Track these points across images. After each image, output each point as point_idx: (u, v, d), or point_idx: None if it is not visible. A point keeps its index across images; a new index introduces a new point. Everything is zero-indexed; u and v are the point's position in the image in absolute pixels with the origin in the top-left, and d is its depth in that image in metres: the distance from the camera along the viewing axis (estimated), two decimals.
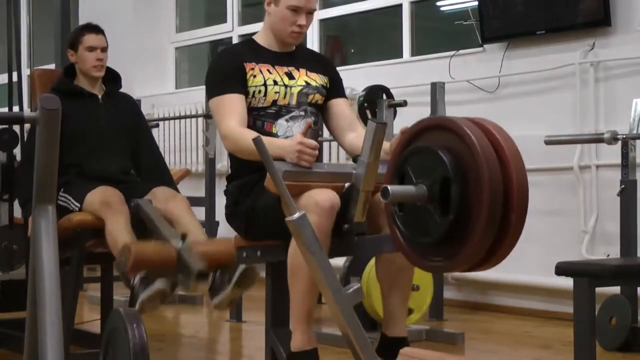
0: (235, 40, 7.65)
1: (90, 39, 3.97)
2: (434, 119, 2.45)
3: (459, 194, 2.24)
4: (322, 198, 2.84)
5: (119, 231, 3.51)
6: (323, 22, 7.06)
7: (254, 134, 2.61)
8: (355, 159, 2.93)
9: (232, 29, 7.72)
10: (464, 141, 2.25)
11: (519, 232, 2.29)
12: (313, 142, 2.90)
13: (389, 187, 2.32)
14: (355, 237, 2.93)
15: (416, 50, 6.27)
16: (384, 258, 3.07)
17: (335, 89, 3.38)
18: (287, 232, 2.52)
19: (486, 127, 2.32)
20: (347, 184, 2.98)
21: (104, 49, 4.00)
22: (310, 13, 3.26)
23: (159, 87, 8.16)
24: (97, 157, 3.88)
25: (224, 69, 3.23)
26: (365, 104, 4.75)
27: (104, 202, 3.58)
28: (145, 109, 4.27)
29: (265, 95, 3.22)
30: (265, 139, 2.52)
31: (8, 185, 4.32)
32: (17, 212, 4.57)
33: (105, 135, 3.94)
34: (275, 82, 3.23)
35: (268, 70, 3.25)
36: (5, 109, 4.86)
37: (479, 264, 2.33)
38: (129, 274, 3.30)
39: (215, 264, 3.23)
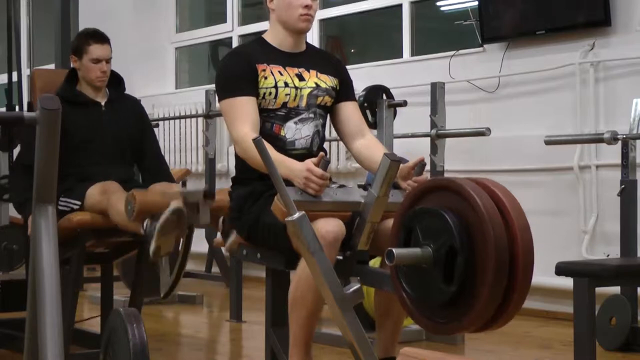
0: (235, 40, 7.65)
1: (96, 50, 3.88)
2: (439, 181, 2.46)
3: (464, 266, 2.24)
4: (327, 230, 2.81)
5: (121, 202, 3.53)
6: (323, 22, 7.05)
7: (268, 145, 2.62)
8: (365, 187, 2.93)
9: (232, 29, 7.72)
10: (472, 206, 2.26)
11: (525, 294, 2.30)
12: (321, 172, 2.86)
13: (394, 251, 2.31)
14: (356, 264, 2.94)
15: (416, 50, 6.27)
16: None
17: (345, 91, 3.36)
18: (290, 253, 2.51)
19: (492, 189, 2.32)
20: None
21: (109, 60, 3.93)
22: None
23: (159, 87, 8.16)
24: (99, 166, 3.85)
25: (235, 71, 3.20)
26: (365, 104, 4.75)
27: (103, 190, 3.60)
28: (145, 109, 4.25)
29: (275, 97, 3.19)
30: (276, 156, 2.52)
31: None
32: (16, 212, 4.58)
33: (108, 144, 3.90)
34: (286, 84, 3.21)
35: (279, 72, 3.22)
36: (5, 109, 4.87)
37: (486, 325, 2.34)
38: (136, 220, 3.46)
39: (219, 209, 3.45)
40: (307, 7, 3.19)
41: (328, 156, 3.13)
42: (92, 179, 3.79)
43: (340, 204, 2.91)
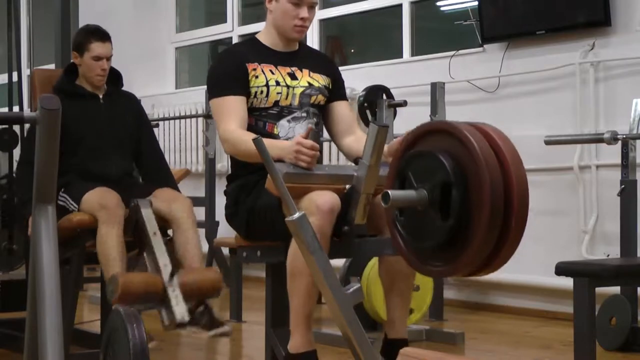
0: (235, 40, 7.65)
1: (97, 48, 3.90)
2: (434, 124, 2.45)
3: (459, 199, 2.23)
4: (323, 200, 2.83)
5: (110, 248, 3.53)
6: (323, 22, 7.05)
7: (252, 136, 2.61)
8: (356, 160, 2.93)
9: (232, 29, 7.72)
10: (465, 146, 2.25)
11: (519, 237, 2.29)
12: (311, 143, 2.89)
13: (390, 192, 2.31)
14: (355, 239, 2.93)
15: (416, 50, 6.27)
16: (385, 260, 3.07)
17: (337, 90, 3.37)
18: (288, 233, 2.53)
19: (487, 131, 2.32)
20: (347, 186, 2.98)
21: (109, 58, 3.95)
22: (312, 7, 3.24)
23: (159, 87, 8.16)
24: (98, 159, 3.87)
25: (225, 70, 3.22)
26: (365, 104, 4.75)
27: (101, 204, 3.58)
28: (145, 109, 4.25)
29: (267, 95, 3.20)
30: (265, 141, 2.52)
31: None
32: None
33: (106, 137, 3.92)
34: (278, 83, 3.22)
35: (271, 71, 3.23)
36: (5, 109, 4.87)
37: (480, 268, 2.33)
38: (115, 302, 3.40)
39: (201, 293, 3.45)
40: (302, 19, 3.21)
41: (328, 159, 3.13)
42: (91, 172, 3.80)
43: (333, 177, 2.93)
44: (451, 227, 2.25)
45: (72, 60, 3.99)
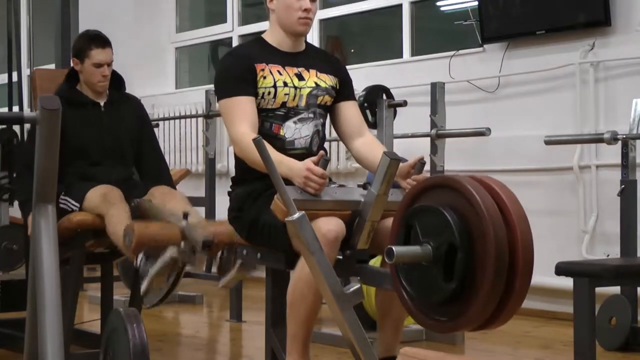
0: (235, 40, 7.65)
1: (98, 55, 3.88)
2: (440, 178, 2.46)
3: (464, 262, 2.24)
4: (327, 229, 2.81)
5: (120, 218, 3.51)
6: (323, 22, 7.05)
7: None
8: (365, 187, 2.92)
9: (232, 29, 7.72)
10: (471, 203, 2.25)
11: (524, 293, 2.29)
12: (321, 171, 2.86)
13: (394, 248, 2.31)
14: (356, 264, 2.94)
15: (416, 50, 6.27)
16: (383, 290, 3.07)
17: (345, 91, 3.36)
18: (289, 252, 2.51)
19: (491, 186, 2.31)
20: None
21: (110, 64, 3.93)
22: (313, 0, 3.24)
23: (159, 87, 8.16)
24: (99, 167, 3.86)
25: (234, 70, 3.19)
26: (365, 104, 4.75)
27: (104, 198, 3.59)
28: (145, 109, 4.25)
29: (274, 96, 3.19)
30: (275, 156, 2.53)
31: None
32: (17, 212, 4.58)
33: (107, 146, 3.90)
34: (285, 84, 3.21)
35: (278, 72, 3.22)
36: (5, 109, 4.87)
37: (486, 324, 2.33)
38: (133, 253, 3.39)
39: (219, 242, 3.36)
40: (306, 10, 3.19)
41: (328, 155, 3.12)
42: (92, 178, 3.80)
43: (340, 203, 2.91)
44: (453, 289, 2.26)
45: (72, 66, 3.97)
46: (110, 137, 3.91)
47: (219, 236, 3.37)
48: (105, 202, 3.58)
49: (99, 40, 3.93)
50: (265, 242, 3.09)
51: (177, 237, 3.31)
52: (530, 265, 2.28)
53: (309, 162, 2.89)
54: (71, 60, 3.96)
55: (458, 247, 2.25)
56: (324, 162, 2.85)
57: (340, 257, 2.93)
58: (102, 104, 3.95)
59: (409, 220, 2.39)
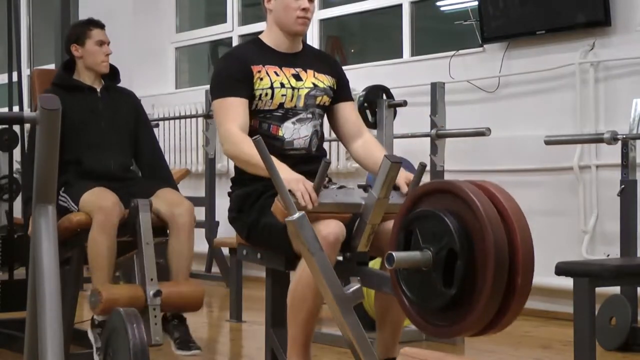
0: (235, 40, 7.66)
1: (98, 34, 3.98)
2: (441, 183, 2.46)
3: (464, 268, 2.24)
4: (328, 232, 2.81)
5: (99, 256, 3.57)
6: (323, 22, 7.05)
7: (253, 149, 2.60)
8: (366, 188, 2.92)
9: (232, 29, 7.72)
10: (471, 209, 2.25)
11: (525, 298, 2.29)
12: (315, 197, 2.82)
13: (394, 254, 2.31)
14: (355, 266, 2.93)
15: (416, 50, 6.27)
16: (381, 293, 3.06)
17: (342, 91, 3.36)
18: (290, 254, 2.49)
19: (492, 192, 2.31)
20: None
21: (109, 44, 4.02)
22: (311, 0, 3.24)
23: (159, 87, 8.16)
24: (96, 153, 3.87)
25: (230, 72, 3.20)
26: (365, 104, 4.75)
27: (98, 204, 3.59)
28: (145, 109, 4.25)
29: (272, 98, 3.19)
30: (275, 163, 2.53)
31: None
32: (17, 212, 4.58)
33: (104, 129, 3.93)
34: (282, 85, 3.20)
35: (275, 73, 3.22)
36: (5, 109, 4.86)
37: (486, 329, 2.33)
38: (96, 314, 3.54)
39: (181, 308, 3.61)
40: (304, 10, 3.20)
41: (328, 157, 3.12)
42: (90, 169, 3.81)
43: (340, 206, 2.90)
44: (454, 294, 2.26)
45: (73, 53, 4.00)
46: (107, 120, 3.96)
47: (185, 302, 3.60)
48: (98, 210, 3.58)
49: (96, 22, 4.06)
50: (265, 243, 3.09)
51: (141, 309, 3.38)
52: (531, 272, 2.28)
53: (310, 185, 2.84)
54: (71, 48, 3.98)
55: (458, 252, 2.25)
56: (325, 165, 2.85)
57: (340, 259, 2.94)
58: (98, 89, 4.00)
59: (409, 225, 2.39)
